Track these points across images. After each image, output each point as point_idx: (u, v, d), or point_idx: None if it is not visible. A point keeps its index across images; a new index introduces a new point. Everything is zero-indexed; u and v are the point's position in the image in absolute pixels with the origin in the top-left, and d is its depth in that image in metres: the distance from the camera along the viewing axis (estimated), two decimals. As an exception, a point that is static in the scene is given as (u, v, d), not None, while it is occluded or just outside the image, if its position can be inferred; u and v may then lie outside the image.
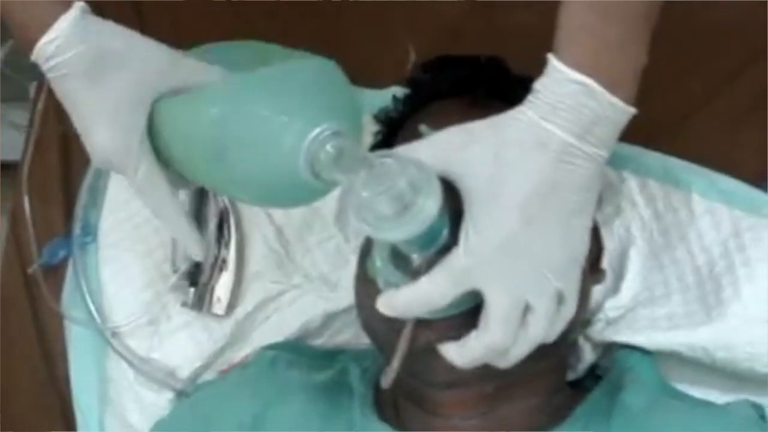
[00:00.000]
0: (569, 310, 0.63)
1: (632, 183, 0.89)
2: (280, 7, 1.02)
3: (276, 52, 0.70)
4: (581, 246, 0.62)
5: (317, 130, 0.59)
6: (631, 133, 0.86)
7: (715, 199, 0.87)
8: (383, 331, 0.72)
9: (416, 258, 0.63)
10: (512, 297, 0.60)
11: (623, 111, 0.60)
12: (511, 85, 0.80)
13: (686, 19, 0.91)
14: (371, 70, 0.98)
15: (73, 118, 0.66)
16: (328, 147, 0.59)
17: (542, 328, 0.61)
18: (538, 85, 0.60)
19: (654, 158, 0.90)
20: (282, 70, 0.64)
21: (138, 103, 0.64)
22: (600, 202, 0.87)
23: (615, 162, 0.89)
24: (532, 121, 0.59)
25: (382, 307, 0.63)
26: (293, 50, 0.69)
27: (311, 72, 0.65)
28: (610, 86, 0.58)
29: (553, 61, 0.60)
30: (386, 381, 0.67)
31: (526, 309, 0.61)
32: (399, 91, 0.92)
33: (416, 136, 0.74)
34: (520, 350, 0.62)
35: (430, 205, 0.56)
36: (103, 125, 0.64)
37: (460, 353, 0.63)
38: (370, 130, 0.90)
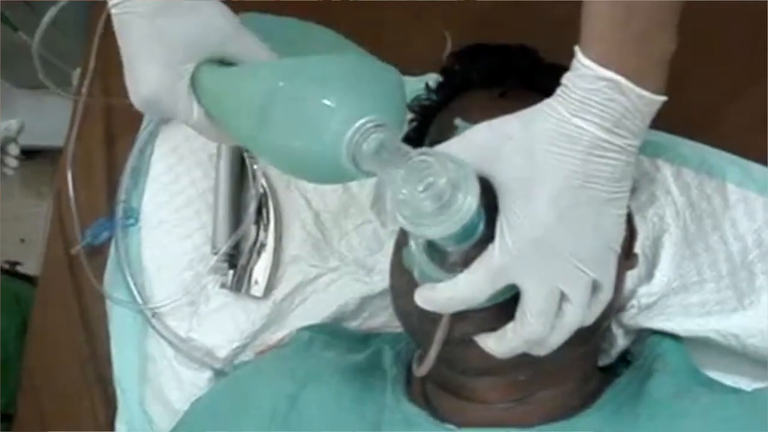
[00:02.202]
0: (606, 296, 0.64)
1: (667, 171, 0.89)
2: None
3: (322, 34, 0.72)
4: (616, 234, 0.63)
5: (362, 120, 0.60)
6: (666, 123, 0.87)
7: (749, 188, 0.87)
8: (418, 319, 0.73)
9: (452, 251, 0.64)
10: (548, 289, 0.61)
11: (652, 101, 0.60)
12: (542, 74, 0.80)
13: (720, 11, 0.91)
14: (407, 56, 0.99)
15: (124, 51, 0.67)
16: (371, 139, 0.60)
17: (578, 316, 0.62)
18: (566, 80, 0.61)
19: (688, 147, 0.90)
20: (334, 59, 0.65)
21: (190, 56, 0.67)
22: (634, 189, 0.88)
23: (650, 150, 0.89)
24: (563, 117, 0.60)
25: (420, 301, 0.64)
26: (337, 34, 0.71)
27: (362, 63, 0.66)
28: (638, 77, 0.59)
29: (579, 56, 0.60)
30: (422, 370, 0.69)
31: (562, 298, 0.62)
32: (433, 78, 0.92)
33: (450, 127, 0.75)
34: (557, 338, 0.63)
35: (469, 202, 0.56)
36: (153, 67, 0.66)
37: (498, 344, 0.64)
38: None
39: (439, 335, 0.67)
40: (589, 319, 0.64)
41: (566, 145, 0.59)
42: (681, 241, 0.88)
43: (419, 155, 0.57)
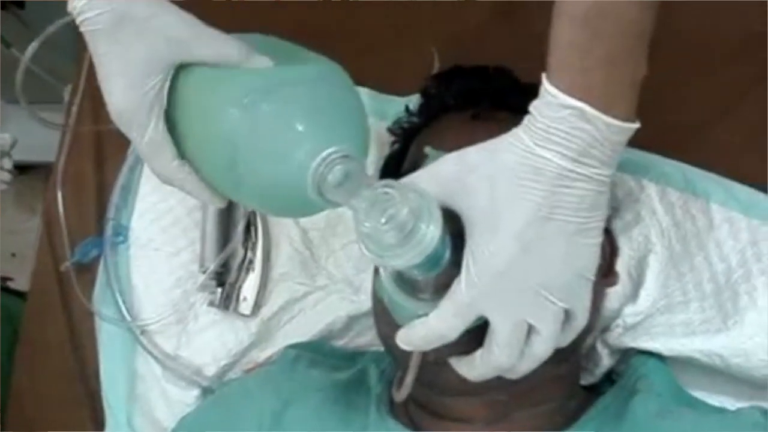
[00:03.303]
0: (580, 323, 0.64)
1: (652, 191, 0.90)
2: (305, 12, 1.04)
3: (289, 50, 0.71)
4: (589, 263, 0.62)
5: (327, 151, 0.60)
6: (651, 142, 0.88)
7: (733, 208, 0.88)
8: (395, 343, 0.73)
9: (421, 280, 0.64)
10: (514, 321, 0.61)
11: (622, 129, 0.59)
12: (516, 94, 0.81)
13: (705, 30, 0.92)
14: (396, 75, 1.00)
15: (97, 72, 0.67)
16: (336, 170, 0.60)
17: (547, 346, 0.62)
18: (533, 108, 0.60)
19: (673, 167, 0.90)
20: (298, 78, 0.65)
21: (154, 68, 0.65)
22: (618, 209, 0.88)
23: (635, 170, 0.89)
24: (527, 147, 0.59)
25: (401, 344, 0.64)
26: (306, 50, 0.70)
27: (325, 83, 0.66)
28: (605, 105, 0.58)
29: (545, 84, 0.60)
30: (400, 395, 0.69)
31: (531, 329, 0.62)
32: (414, 100, 0.93)
33: (423, 153, 0.75)
34: (526, 367, 0.63)
35: (432, 231, 0.57)
36: (119, 82, 0.65)
37: (469, 369, 0.65)
38: (386, 140, 0.93)
39: (414, 361, 0.68)
40: (563, 343, 0.64)
41: (530, 176, 0.59)
42: (666, 261, 0.88)
43: (382, 187, 0.58)
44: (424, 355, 0.67)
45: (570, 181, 0.59)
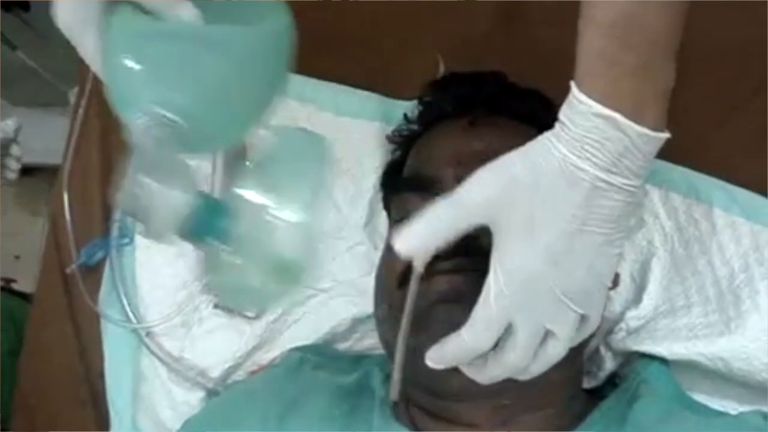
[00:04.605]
0: (592, 327, 0.65)
1: (655, 196, 0.90)
2: (312, 15, 1.04)
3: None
4: (608, 272, 0.63)
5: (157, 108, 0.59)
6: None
7: (736, 213, 0.88)
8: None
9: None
10: (534, 327, 0.62)
11: (652, 138, 0.59)
12: (511, 99, 0.81)
13: (706, 36, 0.92)
14: (403, 80, 1.01)
15: None
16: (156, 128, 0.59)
17: (561, 350, 0.63)
18: (564, 116, 0.60)
19: (676, 172, 0.91)
20: (185, 35, 0.63)
21: None
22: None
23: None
24: (564, 157, 0.59)
25: (431, 363, 0.65)
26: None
27: (216, 51, 0.63)
28: (636, 114, 0.58)
29: (575, 92, 0.59)
30: (392, 394, 0.69)
31: (548, 333, 0.62)
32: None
33: (427, 157, 0.77)
34: (538, 368, 0.64)
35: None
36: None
37: (479, 372, 0.65)
38: (388, 147, 0.93)
39: (398, 359, 0.68)
40: (573, 344, 0.65)
41: (567, 187, 0.59)
42: (669, 265, 0.88)
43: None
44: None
45: (603, 191, 0.59)
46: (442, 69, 1.01)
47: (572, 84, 0.60)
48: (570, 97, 0.60)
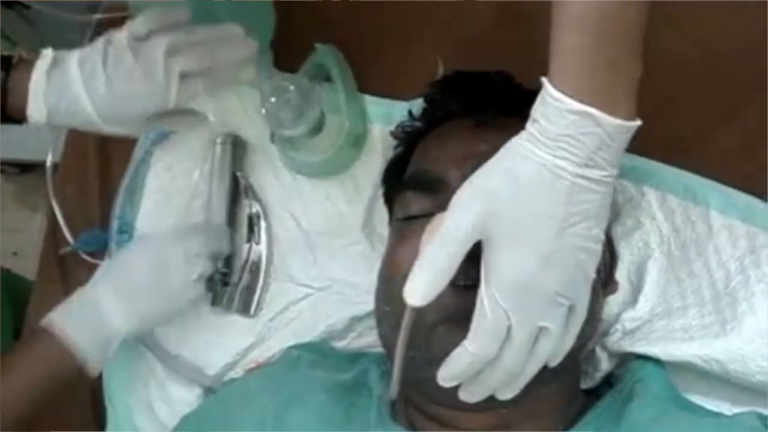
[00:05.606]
0: (580, 317, 0.66)
1: (652, 197, 0.90)
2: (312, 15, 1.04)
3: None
4: (592, 261, 0.64)
5: None
6: (651, 149, 0.88)
7: (733, 216, 0.88)
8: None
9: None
10: (530, 328, 0.62)
11: (628, 128, 0.60)
12: (519, 100, 0.81)
13: (705, 37, 0.92)
14: (401, 81, 1.01)
15: None
16: None
17: (553, 345, 0.64)
18: (538, 115, 0.60)
19: (673, 174, 0.91)
20: None
21: None
22: (619, 215, 0.89)
23: (635, 177, 0.90)
24: (541, 159, 0.60)
25: (443, 383, 0.65)
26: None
27: None
28: (611, 106, 0.59)
29: (549, 89, 0.60)
30: (391, 394, 0.70)
31: (541, 330, 0.63)
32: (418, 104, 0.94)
33: (431, 155, 0.78)
34: (534, 367, 0.65)
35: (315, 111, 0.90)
36: None
37: (471, 393, 0.67)
38: (391, 144, 0.94)
39: (398, 358, 0.68)
40: (568, 342, 0.66)
41: (548, 189, 0.60)
42: (665, 267, 0.89)
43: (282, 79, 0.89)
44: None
45: (582, 187, 0.60)
46: (441, 70, 1.01)
47: (544, 81, 0.61)
48: (543, 95, 0.61)
